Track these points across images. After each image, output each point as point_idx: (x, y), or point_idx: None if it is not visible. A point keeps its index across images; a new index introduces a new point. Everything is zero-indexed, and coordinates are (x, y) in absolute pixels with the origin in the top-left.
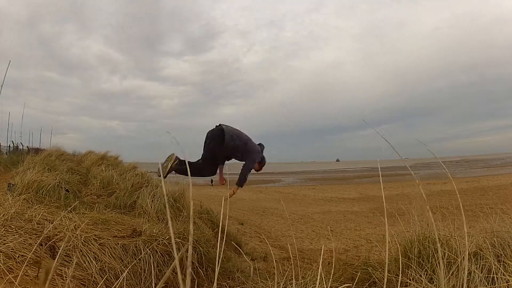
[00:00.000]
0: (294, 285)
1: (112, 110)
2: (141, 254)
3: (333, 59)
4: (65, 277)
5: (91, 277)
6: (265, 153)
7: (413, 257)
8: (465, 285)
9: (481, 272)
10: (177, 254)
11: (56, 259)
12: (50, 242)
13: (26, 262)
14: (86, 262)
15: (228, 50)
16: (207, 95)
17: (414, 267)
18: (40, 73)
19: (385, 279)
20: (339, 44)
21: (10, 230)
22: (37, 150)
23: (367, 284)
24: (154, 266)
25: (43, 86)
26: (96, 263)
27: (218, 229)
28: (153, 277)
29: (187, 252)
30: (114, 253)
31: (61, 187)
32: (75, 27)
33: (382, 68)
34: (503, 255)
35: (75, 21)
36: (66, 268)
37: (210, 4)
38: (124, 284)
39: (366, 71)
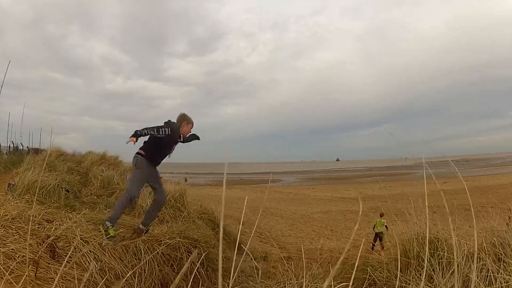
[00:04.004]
0: (294, 285)
1: (115, 110)
2: (141, 254)
3: (336, 60)
4: (66, 277)
5: (91, 277)
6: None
7: (412, 257)
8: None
9: (480, 273)
10: (178, 254)
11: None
12: (50, 241)
13: (26, 262)
14: (86, 262)
15: (232, 51)
16: (210, 95)
17: (414, 266)
18: (44, 74)
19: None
20: (342, 45)
21: (10, 230)
22: (37, 150)
23: (366, 283)
24: (154, 266)
25: (46, 86)
26: (96, 263)
27: (219, 229)
28: (154, 277)
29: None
30: (114, 253)
31: (61, 187)
32: (80, 28)
33: (384, 68)
34: (503, 254)
35: (80, 22)
36: (67, 268)
37: (216, 6)
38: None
39: (368, 71)
